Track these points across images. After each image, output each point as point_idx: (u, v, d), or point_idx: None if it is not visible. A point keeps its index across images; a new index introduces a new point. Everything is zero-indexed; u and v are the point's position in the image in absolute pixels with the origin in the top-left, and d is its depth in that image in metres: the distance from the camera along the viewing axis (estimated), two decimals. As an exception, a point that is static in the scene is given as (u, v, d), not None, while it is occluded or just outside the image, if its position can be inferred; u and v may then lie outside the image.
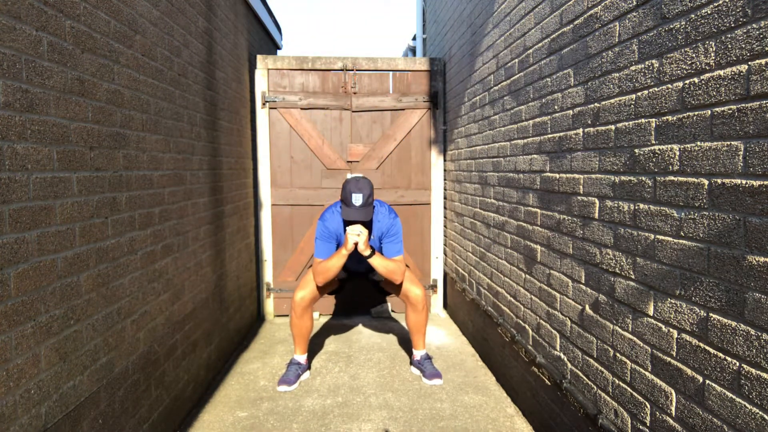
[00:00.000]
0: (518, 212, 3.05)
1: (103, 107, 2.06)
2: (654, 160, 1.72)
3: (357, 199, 3.24)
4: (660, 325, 1.70)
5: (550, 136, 2.59)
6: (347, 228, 3.28)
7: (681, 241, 1.59)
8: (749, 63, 1.32)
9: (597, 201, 2.11)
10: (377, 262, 3.35)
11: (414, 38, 8.03)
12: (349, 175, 4.94)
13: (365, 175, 4.96)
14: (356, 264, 3.53)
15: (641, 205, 1.80)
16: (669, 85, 1.64)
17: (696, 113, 1.52)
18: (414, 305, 3.51)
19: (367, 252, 3.29)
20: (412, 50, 8.41)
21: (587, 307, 2.22)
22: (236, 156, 4.20)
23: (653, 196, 1.73)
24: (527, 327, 2.95)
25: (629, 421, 1.90)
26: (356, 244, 3.25)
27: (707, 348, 1.48)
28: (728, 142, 1.39)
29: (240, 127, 4.36)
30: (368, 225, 3.44)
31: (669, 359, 1.66)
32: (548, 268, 2.63)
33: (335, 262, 3.33)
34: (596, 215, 2.12)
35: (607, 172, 2.03)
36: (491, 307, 3.64)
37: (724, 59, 1.41)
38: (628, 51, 1.87)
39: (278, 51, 6.68)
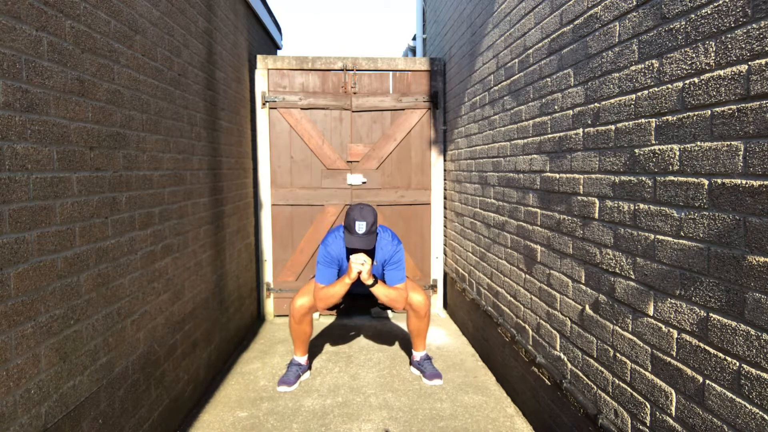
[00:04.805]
0: (518, 212, 3.05)
1: (103, 107, 2.06)
2: (654, 160, 1.72)
3: (360, 227, 3.21)
4: (660, 325, 1.70)
5: (550, 136, 2.59)
6: (351, 257, 3.25)
7: (681, 241, 1.59)
8: (749, 63, 1.32)
9: (597, 201, 2.11)
10: (380, 291, 3.34)
11: (414, 38, 8.03)
12: (349, 176, 4.94)
13: (366, 177, 4.96)
14: (358, 287, 3.52)
15: (641, 205, 1.80)
16: (669, 85, 1.64)
17: (696, 113, 1.52)
18: (417, 312, 3.51)
19: (369, 282, 3.27)
20: (412, 50, 8.41)
21: (587, 307, 2.22)
22: (236, 156, 4.20)
23: (653, 196, 1.73)
24: (527, 327, 2.95)
25: (629, 421, 1.90)
26: (359, 273, 3.24)
27: (707, 348, 1.48)
28: (728, 142, 1.39)
29: (240, 127, 4.36)
30: (371, 252, 3.41)
31: (669, 359, 1.66)
32: (548, 268, 2.63)
33: (338, 290, 3.31)
34: (596, 215, 2.12)
35: (607, 172, 2.03)
36: (491, 307, 3.64)
37: (724, 59, 1.41)
38: (628, 51, 1.87)
39: (278, 51, 6.68)
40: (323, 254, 3.42)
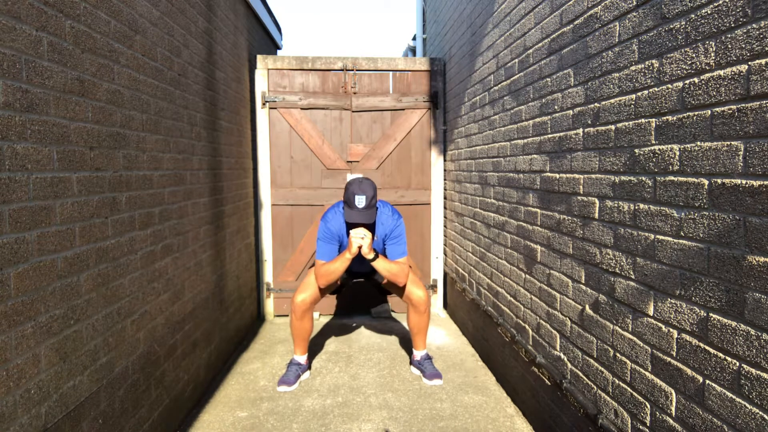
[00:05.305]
0: (518, 212, 3.05)
1: (103, 107, 2.06)
2: (654, 160, 1.72)
3: (360, 201, 3.18)
4: (660, 325, 1.70)
5: (550, 136, 2.59)
6: (351, 231, 3.23)
7: (681, 241, 1.59)
8: (749, 63, 1.32)
9: (597, 201, 2.11)
10: (381, 265, 3.32)
11: (414, 38, 8.03)
12: (349, 176, 4.95)
13: (366, 176, 4.96)
14: (359, 265, 3.51)
15: (641, 205, 1.80)
16: (669, 85, 1.64)
17: (696, 113, 1.52)
18: (416, 307, 3.50)
19: (371, 255, 3.25)
20: (412, 50, 8.41)
21: (587, 307, 2.22)
22: (236, 156, 4.20)
23: (653, 196, 1.73)
24: (527, 327, 2.95)
25: (629, 421, 1.90)
26: (360, 248, 3.23)
27: (707, 348, 1.48)
28: (728, 142, 1.39)
29: (240, 127, 4.36)
30: (371, 227, 3.40)
31: (669, 359, 1.66)
32: (548, 268, 2.63)
33: (338, 266, 3.30)
34: (596, 215, 2.12)
35: (607, 172, 2.03)
36: (491, 307, 3.64)
37: (724, 59, 1.41)
38: (628, 51, 1.87)
39: (278, 51, 6.68)
40: (323, 230, 3.39)
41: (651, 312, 1.75)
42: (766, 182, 1.27)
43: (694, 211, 1.53)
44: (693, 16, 1.53)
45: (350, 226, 3.34)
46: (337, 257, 3.34)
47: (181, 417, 2.91)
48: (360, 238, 3.19)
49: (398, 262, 3.38)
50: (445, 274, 5.16)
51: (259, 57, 4.85)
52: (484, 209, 3.77)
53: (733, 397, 1.38)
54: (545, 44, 2.62)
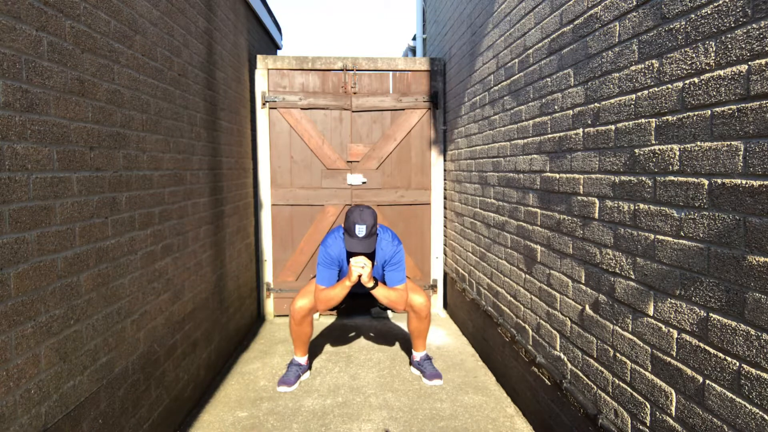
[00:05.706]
0: (518, 212, 3.05)
1: (103, 107, 2.06)
2: (654, 160, 1.72)
3: (360, 230, 3.21)
4: (660, 325, 1.70)
5: (550, 136, 2.59)
6: (351, 260, 3.25)
7: (681, 241, 1.59)
8: (749, 63, 1.32)
9: (597, 201, 2.11)
10: (380, 293, 3.34)
11: (414, 38, 8.03)
12: (350, 177, 4.95)
13: (367, 177, 4.97)
14: (359, 287, 3.53)
15: (641, 205, 1.80)
16: (669, 85, 1.64)
17: (696, 113, 1.52)
18: (418, 313, 3.51)
19: (370, 284, 3.28)
20: (412, 50, 8.41)
21: (587, 307, 2.22)
22: (236, 156, 4.20)
23: (653, 196, 1.73)
24: (527, 327, 2.95)
25: (629, 421, 1.90)
26: (360, 276, 3.24)
27: (707, 348, 1.48)
28: (728, 142, 1.39)
29: (240, 127, 4.36)
30: (371, 253, 3.41)
31: (669, 359, 1.66)
32: (548, 268, 2.63)
33: (338, 293, 3.32)
34: (596, 215, 2.12)
35: (607, 172, 2.03)
36: (491, 307, 3.64)
37: (724, 59, 1.41)
38: (628, 51, 1.87)
39: (278, 51, 6.69)
40: (323, 255, 3.42)
41: (651, 312, 1.75)
42: (766, 182, 1.27)
43: (694, 211, 1.53)
44: (693, 16, 1.53)
45: (351, 252, 3.35)
46: (337, 284, 3.36)
47: (181, 417, 2.91)
48: (360, 267, 3.22)
49: (397, 289, 3.40)
50: (445, 274, 5.16)
51: (259, 57, 4.85)
52: (484, 209, 3.77)
53: (733, 397, 1.38)
54: (545, 44, 2.62)
